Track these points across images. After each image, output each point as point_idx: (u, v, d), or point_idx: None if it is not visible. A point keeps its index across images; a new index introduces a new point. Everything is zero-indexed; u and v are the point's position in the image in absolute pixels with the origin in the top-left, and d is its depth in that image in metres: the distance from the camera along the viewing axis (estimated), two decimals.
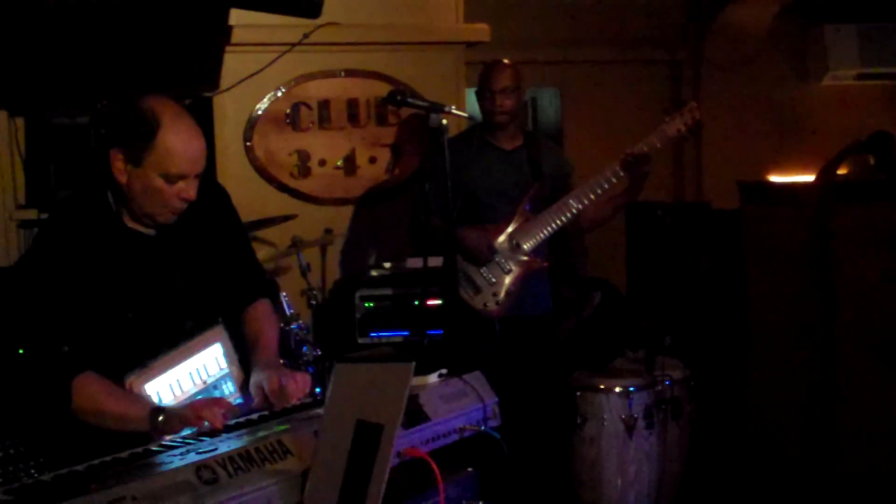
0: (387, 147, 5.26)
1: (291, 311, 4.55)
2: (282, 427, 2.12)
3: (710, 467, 4.70)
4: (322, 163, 5.17)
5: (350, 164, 5.22)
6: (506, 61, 4.25)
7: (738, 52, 6.75)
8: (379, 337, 4.67)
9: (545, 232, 4.13)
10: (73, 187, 4.22)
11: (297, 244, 4.67)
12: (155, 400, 2.47)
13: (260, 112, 5.08)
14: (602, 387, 4.32)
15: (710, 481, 4.68)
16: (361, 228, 5.25)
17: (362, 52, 5.19)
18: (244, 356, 2.73)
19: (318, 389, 2.60)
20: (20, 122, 4.70)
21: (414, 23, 5.26)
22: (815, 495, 4.28)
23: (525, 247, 4.13)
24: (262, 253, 4.67)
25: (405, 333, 4.61)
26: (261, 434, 2.08)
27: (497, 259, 4.12)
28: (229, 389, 2.66)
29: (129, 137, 2.42)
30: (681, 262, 5.68)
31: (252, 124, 5.07)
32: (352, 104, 5.19)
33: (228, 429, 2.25)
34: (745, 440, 4.69)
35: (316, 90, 5.16)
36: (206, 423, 2.28)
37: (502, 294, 4.12)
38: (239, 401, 2.62)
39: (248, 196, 4.75)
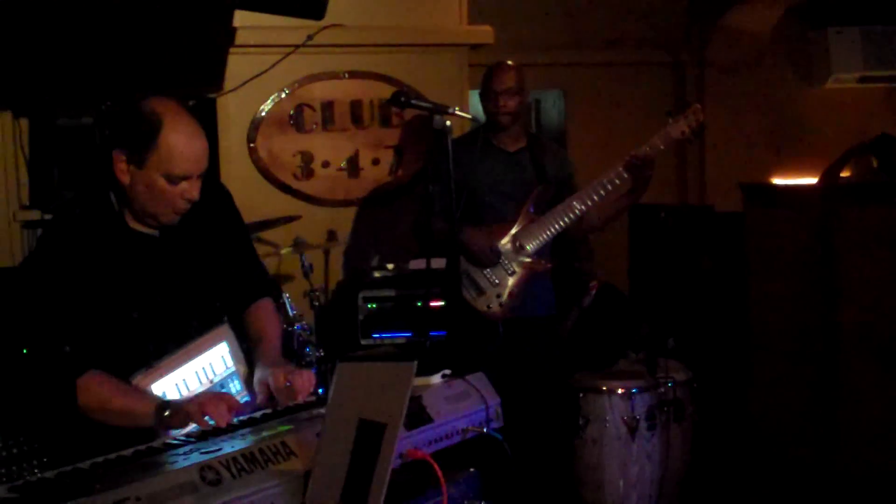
0: (390, 149, 5.27)
1: (294, 312, 4.55)
2: (285, 427, 2.12)
3: (712, 469, 4.70)
4: (325, 164, 5.18)
5: (353, 166, 5.22)
6: (509, 63, 4.26)
7: (741, 54, 6.75)
8: (382, 338, 4.67)
9: (548, 233, 4.14)
10: (76, 188, 4.21)
11: (300, 245, 4.68)
12: None
13: (264, 113, 5.08)
14: (604, 388, 4.32)
15: (713, 483, 4.67)
16: (364, 230, 5.26)
17: (366, 53, 5.20)
18: (248, 355, 2.74)
19: (321, 390, 2.60)
20: (24, 122, 4.71)
21: (418, 25, 5.27)
22: (816, 496, 4.28)
23: (528, 248, 4.14)
24: (264, 254, 4.67)
25: (408, 335, 4.61)
26: (264, 434, 2.08)
27: (500, 261, 4.12)
28: (236, 388, 2.67)
29: (132, 138, 2.43)
30: (683, 264, 5.68)
31: (256, 125, 5.08)
32: (355, 106, 5.20)
33: (232, 427, 2.26)
34: (748, 442, 4.69)
35: (320, 92, 5.17)
36: (211, 422, 2.29)
37: (505, 295, 4.12)
38: (246, 398, 2.63)
39: (252, 197, 4.76)
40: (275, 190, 5.14)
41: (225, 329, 2.69)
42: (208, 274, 2.67)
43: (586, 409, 4.32)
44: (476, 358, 3.43)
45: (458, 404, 2.32)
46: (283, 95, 5.10)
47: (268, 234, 4.83)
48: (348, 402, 1.87)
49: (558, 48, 6.36)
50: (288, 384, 2.51)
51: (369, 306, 4.68)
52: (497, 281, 4.13)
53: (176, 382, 2.53)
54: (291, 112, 5.12)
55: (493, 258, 4.10)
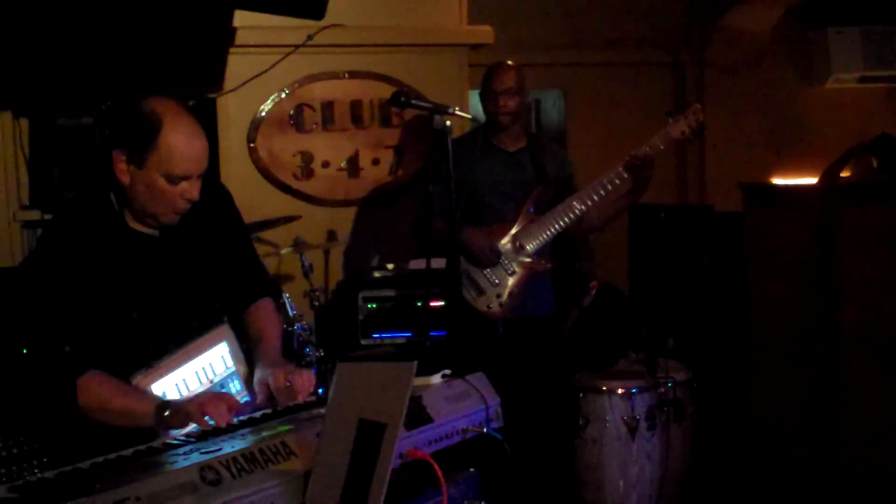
0: (390, 149, 5.27)
1: (294, 312, 4.56)
2: (285, 427, 2.12)
3: (712, 469, 4.70)
4: (325, 164, 5.18)
5: (353, 166, 5.22)
6: (509, 62, 4.26)
7: (741, 54, 6.75)
8: (382, 338, 4.67)
9: (548, 233, 4.14)
10: (76, 188, 4.22)
11: (299, 245, 4.68)
12: None
13: (264, 113, 5.09)
14: (604, 388, 4.33)
15: (713, 483, 4.68)
16: (364, 230, 5.26)
17: (366, 53, 5.20)
18: (248, 355, 2.74)
19: (321, 390, 2.60)
20: (24, 122, 4.71)
21: (418, 25, 5.27)
22: (816, 496, 4.28)
23: (528, 248, 4.14)
24: (264, 254, 4.67)
25: (408, 335, 4.61)
26: (264, 434, 2.08)
27: (500, 261, 4.13)
28: (236, 388, 2.67)
29: (132, 139, 2.43)
30: (683, 264, 5.68)
31: (256, 126, 5.08)
32: (355, 106, 5.20)
33: (232, 427, 2.26)
34: (748, 442, 4.69)
35: (320, 92, 5.17)
36: (211, 422, 2.29)
37: (505, 295, 4.13)
38: (246, 398, 2.63)
39: (252, 197, 4.76)
40: (275, 190, 5.14)
41: (225, 329, 2.69)
42: (208, 274, 2.68)
43: (586, 409, 4.32)
44: (476, 358, 3.44)
45: (458, 404, 2.32)
46: (283, 95, 5.10)
47: (268, 234, 4.83)
48: (348, 402, 1.87)
49: (558, 48, 6.36)
50: (288, 384, 2.51)
51: (369, 306, 4.68)
52: (497, 281, 4.13)
53: (176, 382, 2.53)
54: (291, 112, 5.12)
55: (493, 258, 4.10)
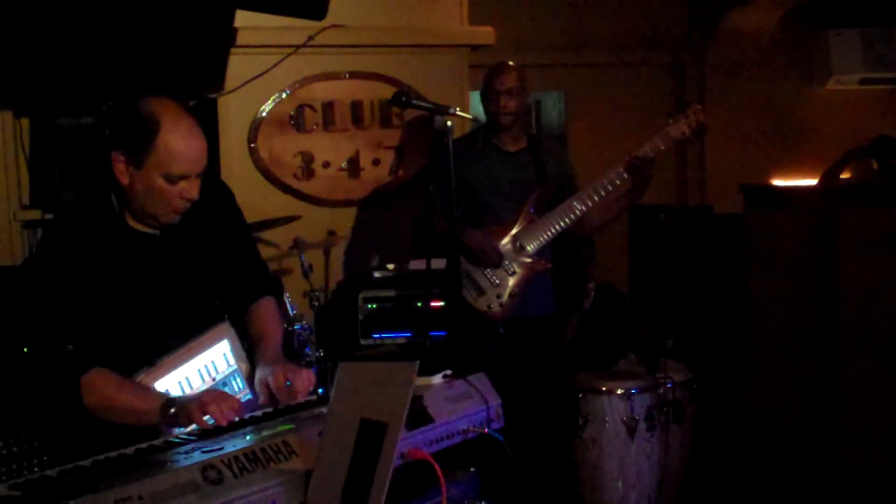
0: (391, 149, 5.27)
1: (294, 311, 4.56)
2: (286, 427, 2.13)
3: (711, 469, 4.70)
4: (326, 164, 5.18)
5: (354, 166, 5.23)
6: (510, 63, 4.26)
7: (741, 56, 6.75)
8: (382, 338, 4.66)
9: (549, 234, 4.14)
10: (77, 188, 4.22)
11: (300, 245, 4.68)
12: None
13: (264, 114, 5.09)
14: (604, 389, 4.33)
15: (712, 483, 4.68)
16: (364, 230, 5.26)
17: (367, 54, 5.20)
18: (250, 353, 2.74)
19: (320, 390, 2.61)
20: (25, 122, 4.71)
21: (418, 25, 5.27)
22: (816, 496, 4.28)
23: (529, 249, 4.14)
24: (265, 254, 4.68)
25: (408, 335, 4.61)
26: (266, 434, 2.08)
27: (501, 261, 4.13)
28: (238, 386, 2.67)
29: (130, 139, 2.44)
30: (683, 265, 5.68)
31: (256, 126, 5.08)
32: (356, 106, 5.20)
33: (233, 426, 2.26)
34: (747, 442, 4.69)
35: (320, 92, 5.17)
36: (211, 420, 2.29)
37: (506, 296, 4.13)
38: (248, 397, 2.64)
39: (252, 197, 4.77)
40: (275, 190, 5.14)
41: (225, 327, 2.69)
42: (209, 273, 2.68)
43: (586, 409, 4.33)
44: (476, 358, 3.44)
45: (458, 404, 2.33)
46: (284, 96, 5.10)
47: (268, 234, 4.84)
48: (350, 402, 1.88)
49: (558, 49, 6.36)
50: (288, 384, 2.51)
51: (369, 306, 4.68)
52: (497, 281, 4.13)
53: (179, 380, 2.54)
54: (292, 112, 5.12)
55: (495, 257, 4.10)
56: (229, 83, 4.97)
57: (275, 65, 4.98)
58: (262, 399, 2.57)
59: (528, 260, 4.14)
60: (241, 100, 5.02)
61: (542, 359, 4.30)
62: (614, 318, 5.10)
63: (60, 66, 4.34)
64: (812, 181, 5.10)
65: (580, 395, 4.34)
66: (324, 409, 2.23)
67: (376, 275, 4.90)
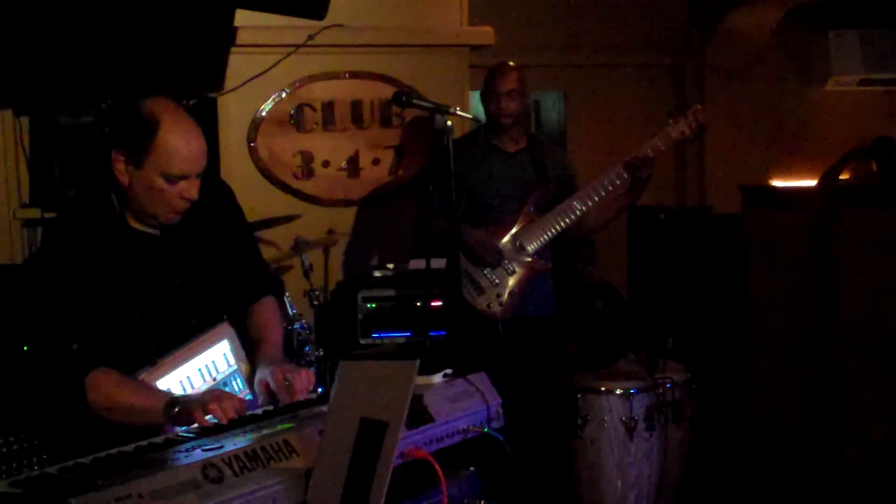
0: (390, 149, 5.27)
1: (294, 311, 4.56)
2: (287, 425, 2.13)
3: (710, 469, 4.70)
4: (325, 164, 5.18)
5: (353, 166, 5.23)
6: (511, 64, 4.27)
7: (741, 56, 6.76)
8: (381, 337, 4.67)
9: (549, 234, 4.15)
10: (77, 186, 4.22)
11: (299, 245, 4.68)
12: None
13: (264, 113, 5.09)
14: (603, 389, 4.33)
15: (711, 483, 4.68)
16: (364, 229, 5.27)
17: (367, 54, 5.20)
18: (250, 353, 2.74)
19: (320, 389, 2.61)
20: (25, 120, 4.71)
21: (418, 25, 5.28)
22: (816, 496, 4.29)
23: (529, 248, 4.14)
24: (265, 253, 4.67)
25: (407, 334, 4.61)
26: (266, 432, 2.08)
27: (501, 260, 4.13)
28: (239, 386, 2.67)
29: (130, 139, 2.43)
30: (682, 265, 5.69)
31: (256, 125, 5.09)
32: (356, 106, 5.20)
33: (233, 424, 2.26)
34: (747, 442, 4.70)
35: (320, 92, 5.17)
36: (212, 419, 2.29)
37: (505, 295, 4.13)
38: (249, 397, 2.64)
39: (252, 197, 4.74)
40: (275, 189, 5.14)
41: (225, 327, 2.69)
42: (209, 272, 2.68)
43: (585, 409, 4.33)
44: (475, 357, 3.45)
45: (459, 404, 2.32)
46: (284, 95, 5.11)
47: (268, 234, 4.84)
48: (350, 401, 1.88)
49: (558, 49, 6.36)
50: (287, 383, 2.51)
51: (369, 306, 4.68)
52: (497, 281, 4.13)
53: (180, 380, 2.53)
54: (292, 112, 5.12)
55: (495, 257, 4.10)
56: (229, 82, 4.97)
57: (275, 64, 4.98)
58: (262, 401, 2.57)
59: (528, 259, 4.15)
60: (241, 99, 5.02)
61: (541, 358, 4.30)
62: (614, 319, 5.10)
63: (60, 64, 4.33)
64: (812, 181, 5.11)
65: (579, 395, 4.35)
66: (324, 408, 2.23)
67: (376, 274, 4.90)
